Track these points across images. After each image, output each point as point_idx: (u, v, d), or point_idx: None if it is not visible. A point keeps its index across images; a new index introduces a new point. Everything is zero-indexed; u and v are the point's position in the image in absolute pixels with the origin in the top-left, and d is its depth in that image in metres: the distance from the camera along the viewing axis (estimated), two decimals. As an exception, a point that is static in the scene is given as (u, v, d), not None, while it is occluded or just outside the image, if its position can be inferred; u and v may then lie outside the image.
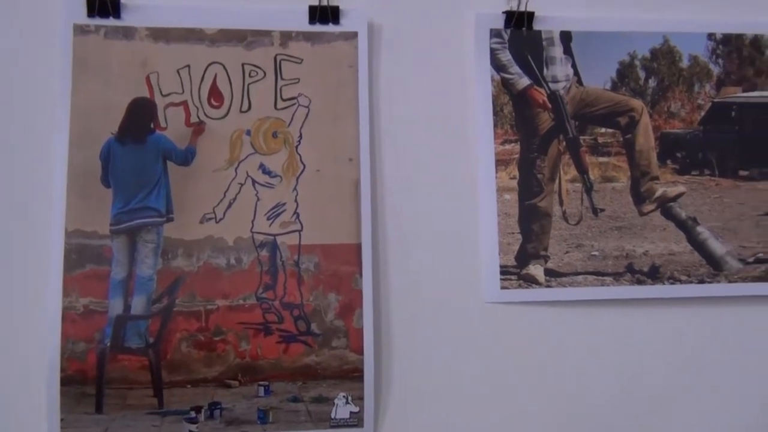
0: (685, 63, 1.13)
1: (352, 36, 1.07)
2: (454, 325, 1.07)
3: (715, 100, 1.12)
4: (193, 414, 0.99)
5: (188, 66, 1.04)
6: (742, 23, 1.14)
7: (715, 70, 1.13)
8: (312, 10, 1.06)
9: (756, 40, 1.14)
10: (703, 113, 1.12)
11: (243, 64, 1.05)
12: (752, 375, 1.11)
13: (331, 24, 1.07)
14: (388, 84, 1.09)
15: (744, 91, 1.13)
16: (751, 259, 1.09)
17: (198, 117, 1.03)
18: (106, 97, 1.01)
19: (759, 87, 1.13)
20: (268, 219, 1.03)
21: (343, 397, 1.02)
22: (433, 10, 1.10)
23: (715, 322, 1.10)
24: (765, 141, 1.12)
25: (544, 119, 1.10)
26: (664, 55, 1.12)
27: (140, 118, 1.02)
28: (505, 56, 1.10)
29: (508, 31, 1.10)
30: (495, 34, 1.10)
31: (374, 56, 1.08)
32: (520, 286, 1.06)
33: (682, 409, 1.10)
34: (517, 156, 1.09)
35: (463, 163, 1.09)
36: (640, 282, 1.07)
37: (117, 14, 1.03)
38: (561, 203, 1.08)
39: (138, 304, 1.00)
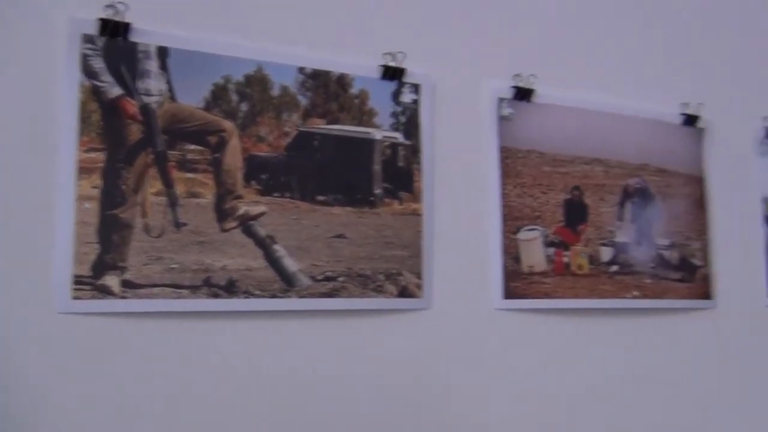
0: (276, 91, 1.28)
1: None
2: (21, 337, 1.08)
3: (301, 129, 1.29)
4: None
5: None
6: (331, 61, 1.32)
7: (303, 101, 1.30)
8: None
9: (342, 78, 1.33)
10: (289, 140, 1.28)
11: None
12: (342, 386, 1.28)
13: None
14: (-38, 77, 1.07)
15: (328, 123, 1.31)
16: (320, 277, 1.27)
17: None
18: None
19: (341, 121, 1.32)
20: None
21: None
22: (23, 6, 1.11)
23: (287, 334, 1.25)
24: (342, 170, 1.31)
25: (133, 131, 1.17)
26: (257, 82, 1.26)
27: None
28: (98, 63, 1.15)
29: (103, 38, 1.16)
30: (88, 39, 1.15)
31: (-53, 45, 1.06)
32: (94, 296, 1.12)
33: (269, 417, 1.23)
34: (102, 165, 1.14)
35: (42, 168, 1.11)
36: (216, 295, 1.19)
37: None
38: (144, 215, 1.16)
39: None
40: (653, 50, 1.66)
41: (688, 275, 1.60)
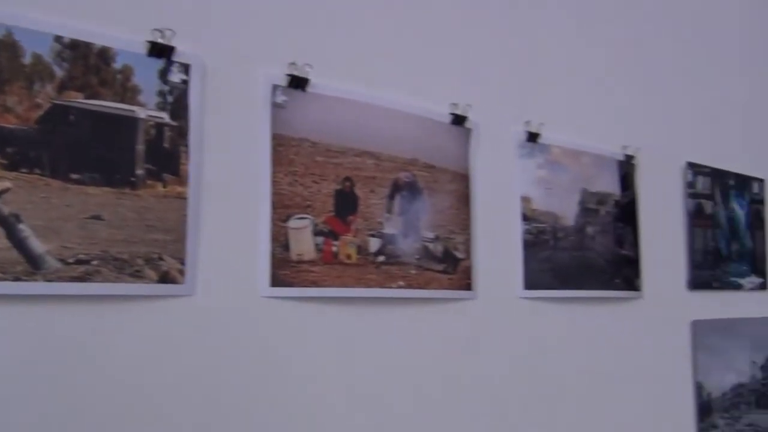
0: (27, 59, 1.20)
1: None
2: None
3: (56, 102, 1.23)
4: None
5: None
6: (92, 33, 1.27)
7: (59, 72, 1.23)
8: None
9: (104, 51, 1.28)
10: (41, 113, 1.21)
11: None
12: (94, 377, 1.23)
13: None
14: None
15: (86, 97, 1.26)
16: (71, 260, 1.21)
17: None
18: None
19: (101, 96, 1.27)
20: None
21: None
22: None
23: (31, 320, 1.18)
24: (100, 147, 1.26)
25: None
26: (5, 48, 1.18)
27: None
28: None
29: None
30: None
31: None
32: None
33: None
34: None
35: None
36: (-53, 277, 1.10)
37: None
38: None
39: None
40: (427, 50, 1.75)
41: (450, 267, 1.71)
